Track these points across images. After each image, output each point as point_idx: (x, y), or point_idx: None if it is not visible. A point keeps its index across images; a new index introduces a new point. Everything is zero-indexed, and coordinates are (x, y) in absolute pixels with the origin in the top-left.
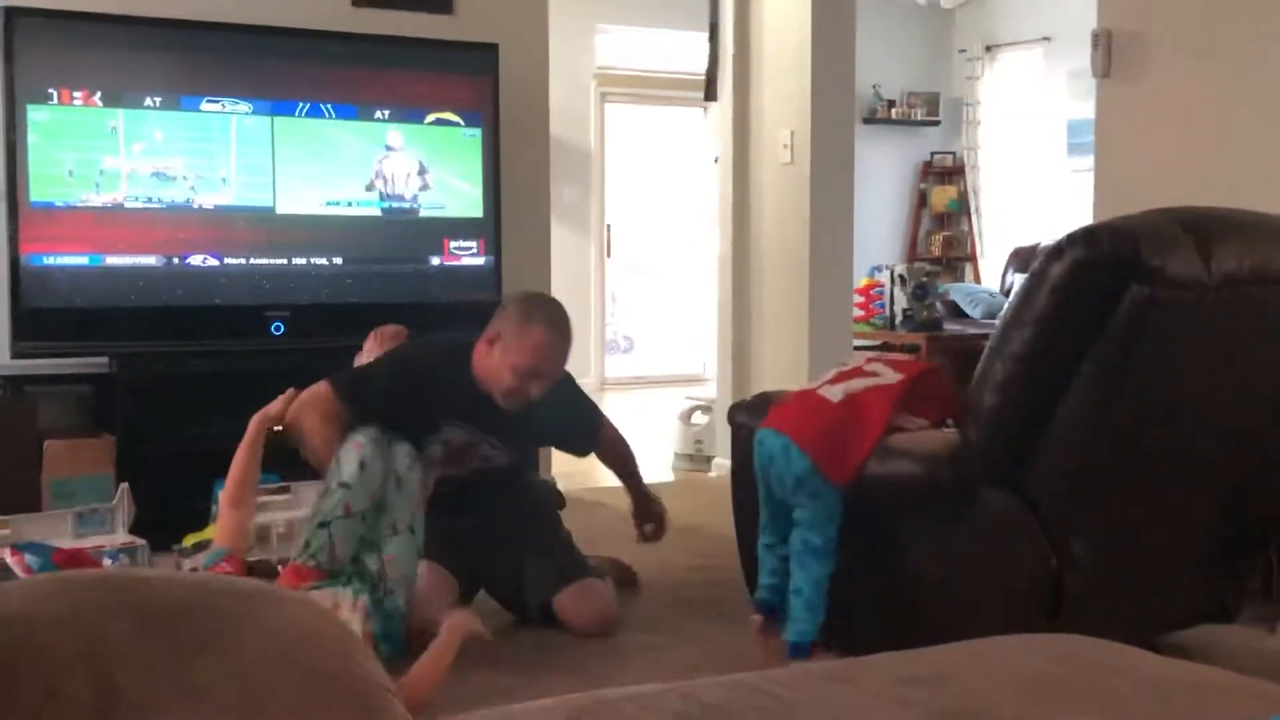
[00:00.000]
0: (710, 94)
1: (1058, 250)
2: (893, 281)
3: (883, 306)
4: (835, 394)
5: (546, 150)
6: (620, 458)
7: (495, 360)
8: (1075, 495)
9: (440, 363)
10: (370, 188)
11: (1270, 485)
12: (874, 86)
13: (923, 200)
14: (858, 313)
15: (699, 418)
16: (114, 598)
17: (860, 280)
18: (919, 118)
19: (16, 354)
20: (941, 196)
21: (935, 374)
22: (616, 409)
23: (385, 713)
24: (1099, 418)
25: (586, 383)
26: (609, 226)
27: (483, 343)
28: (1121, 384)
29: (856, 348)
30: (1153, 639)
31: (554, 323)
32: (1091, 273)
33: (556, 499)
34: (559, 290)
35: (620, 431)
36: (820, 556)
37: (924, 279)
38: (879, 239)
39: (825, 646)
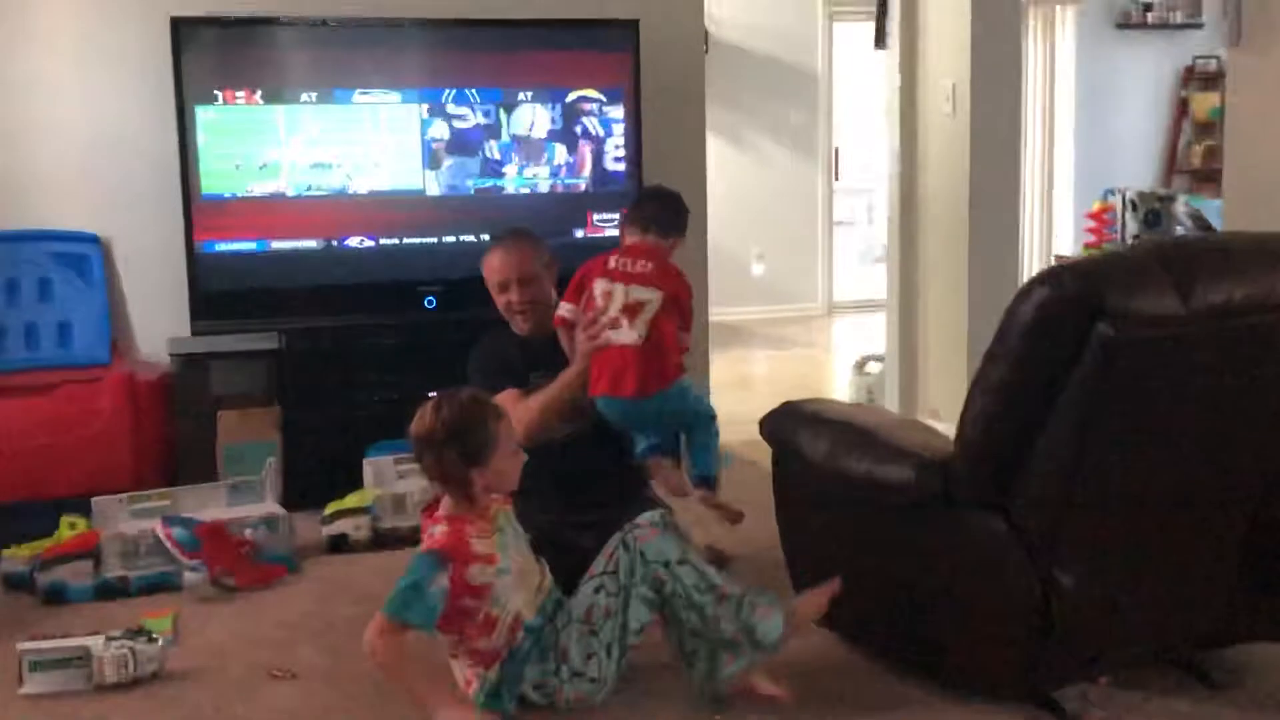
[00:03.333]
0: (880, 42)
1: (1027, 289)
2: (1124, 206)
3: (1115, 232)
4: (630, 336)
5: (702, 119)
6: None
7: None
8: (1059, 524)
9: (495, 341)
10: (513, 166)
11: None
12: None
13: (1184, 108)
14: (1088, 238)
15: (872, 367)
16: None
17: (1094, 204)
18: (1179, 20)
19: (196, 332)
20: (1204, 104)
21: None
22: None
23: None
24: (1076, 451)
25: (810, 307)
26: (836, 150)
27: None
28: (1095, 419)
29: None
30: (1189, 657)
31: (499, 238)
32: (1057, 312)
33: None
34: (782, 214)
35: None
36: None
37: (1156, 205)
38: (1134, 150)
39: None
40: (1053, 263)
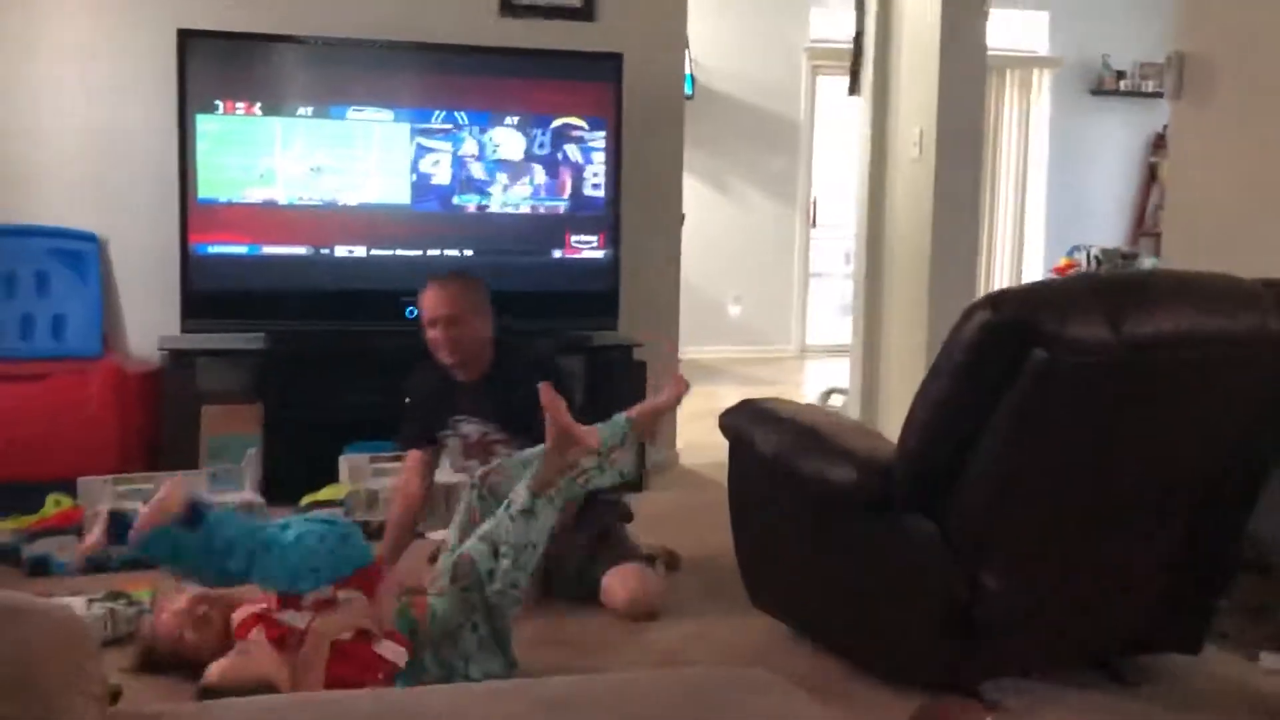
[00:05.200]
0: (854, 88)
1: (970, 311)
2: (1089, 262)
3: None
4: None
5: (680, 152)
6: None
7: None
8: (987, 532)
9: (425, 370)
10: (497, 186)
11: (1224, 524)
12: (1103, 57)
13: (1153, 173)
14: None
15: (835, 399)
16: None
17: (1060, 259)
18: (1150, 89)
19: (186, 330)
20: None
21: None
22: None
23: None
24: (1006, 465)
25: (782, 349)
26: (815, 199)
27: None
28: (1026, 436)
29: None
30: (1110, 663)
31: (437, 276)
32: (996, 336)
33: (623, 512)
34: (760, 259)
35: None
36: None
37: (1120, 261)
38: (1104, 210)
39: None
40: None
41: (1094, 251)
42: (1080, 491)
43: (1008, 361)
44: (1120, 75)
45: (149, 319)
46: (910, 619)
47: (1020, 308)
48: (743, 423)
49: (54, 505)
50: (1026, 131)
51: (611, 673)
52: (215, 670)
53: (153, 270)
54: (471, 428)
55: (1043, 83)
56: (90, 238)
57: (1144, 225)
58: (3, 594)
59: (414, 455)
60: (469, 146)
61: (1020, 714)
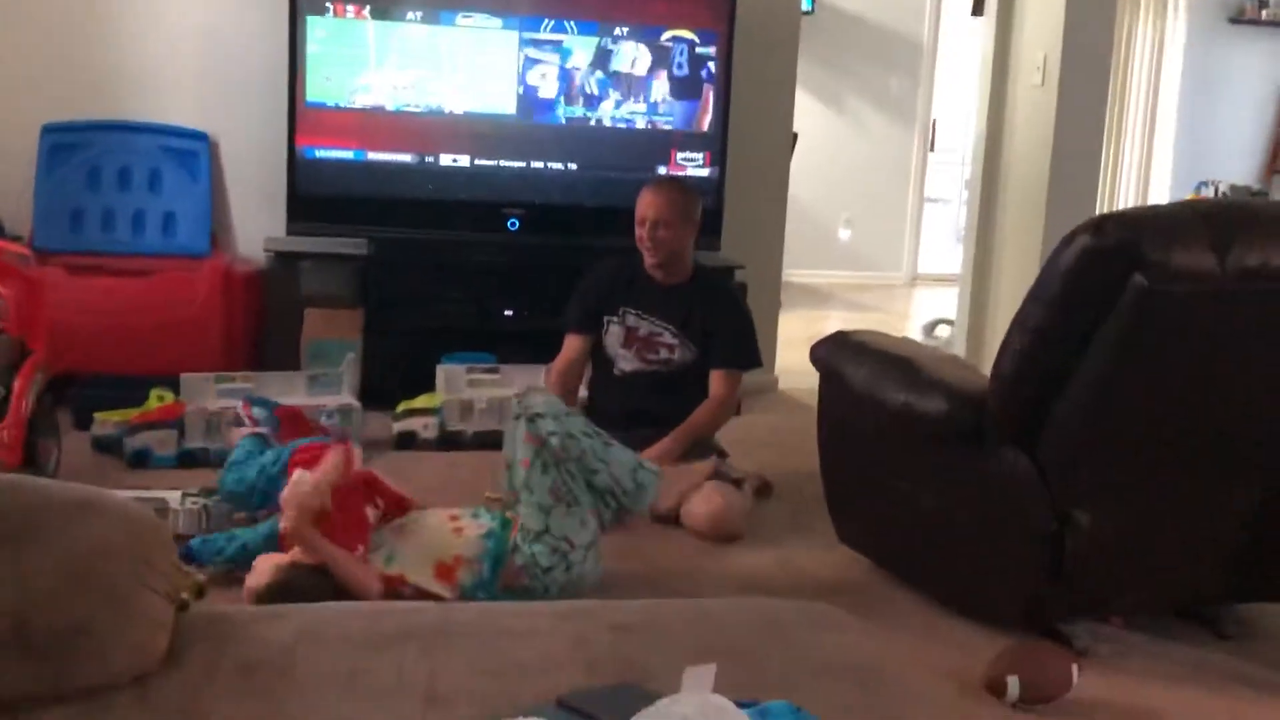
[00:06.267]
0: (978, 8)
1: (1071, 236)
2: (1216, 197)
3: None
4: None
5: (793, 70)
6: (710, 406)
7: None
8: (1080, 466)
9: (613, 261)
10: (606, 99)
11: None
12: None
13: None
14: None
15: (942, 330)
16: None
17: (1187, 194)
18: None
19: (291, 233)
20: None
21: None
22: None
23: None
24: (1103, 397)
25: (893, 276)
26: (935, 121)
27: None
28: (1125, 367)
29: None
30: (1206, 614)
31: (653, 181)
32: (1097, 261)
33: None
34: (875, 182)
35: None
36: None
37: (1250, 197)
38: (1236, 145)
39: None
40: None
41: (1222, 187)
42: (1177, 428)
43: (1108, 288)
44: (1263, 4)
45: (256, 220)
46: (999, 555)
47: (1123, 233)
48: (834, 355)
49: (157, 400)
50: (1159, 60)
51: (682, 599)
52: (256, 574)
53: (261, 172)
54: (641, 322)
55: (1179, 8)
56: (201, 136)
57: (1276, 162)
58: (77, 488)
59: (570, 342)
60: (577, 57)
61: (1109, 661)
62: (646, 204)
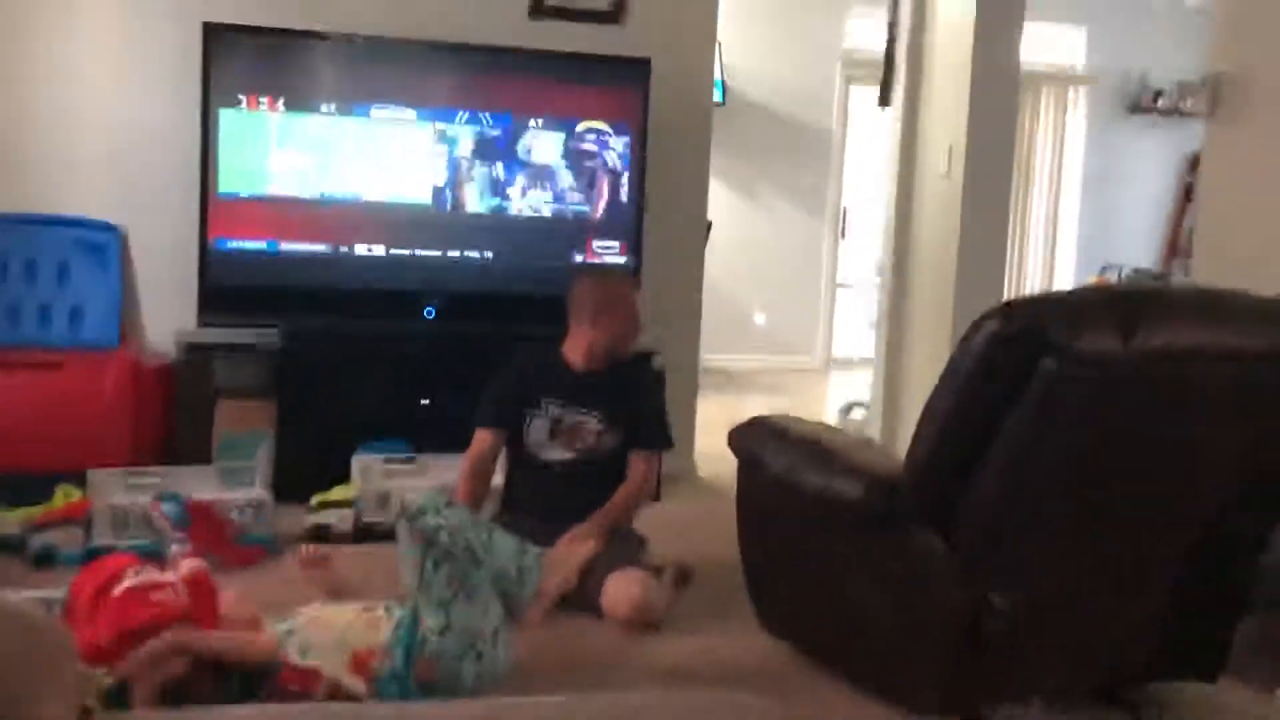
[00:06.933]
0: (884, 100)
1: (979, 322)
2: (1120, 281)
3: None
4: None
5: (706, 159)
6: (630, 489)
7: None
8: (996, 548)
9: (532, 352)
10: (518, 189)
11: (1239, 549)
12: (1141, 75)
13: (1188, 195)
14: None
15: (856, 413)
16: None
17: (1092, 278)
18: (1188, 108)
19: (202, 324)
20: None
21: None
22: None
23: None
24: (1016, 479)
25: (807, 360)
26: (845, 209)
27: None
28: (1037, 449)
29: None
30: (1123, 694)
31: (585, 270)
32: (1005, 346)
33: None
34: (788, 268)
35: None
36: None
37: (1151, 282)
38: (1137, 230)
39: None
40: None
41: (1125, 271)
42: (1092, 508)
43: (1017, 372)
44: (1158, 94)
45: (168, 312)
46: (917, 639)
47: (1030, 317)
48: (752, 440)
49: (63, 497)
50: (1061, 149)
51: (603, 693)
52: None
53: (172, 264)
54: (565, 411)
55: (1079, 99)
56: (112, 229)
57: (1178, 246)
58: None
59: (482, 437)
60: (493, 149)
61: None
62: (579, 294)
